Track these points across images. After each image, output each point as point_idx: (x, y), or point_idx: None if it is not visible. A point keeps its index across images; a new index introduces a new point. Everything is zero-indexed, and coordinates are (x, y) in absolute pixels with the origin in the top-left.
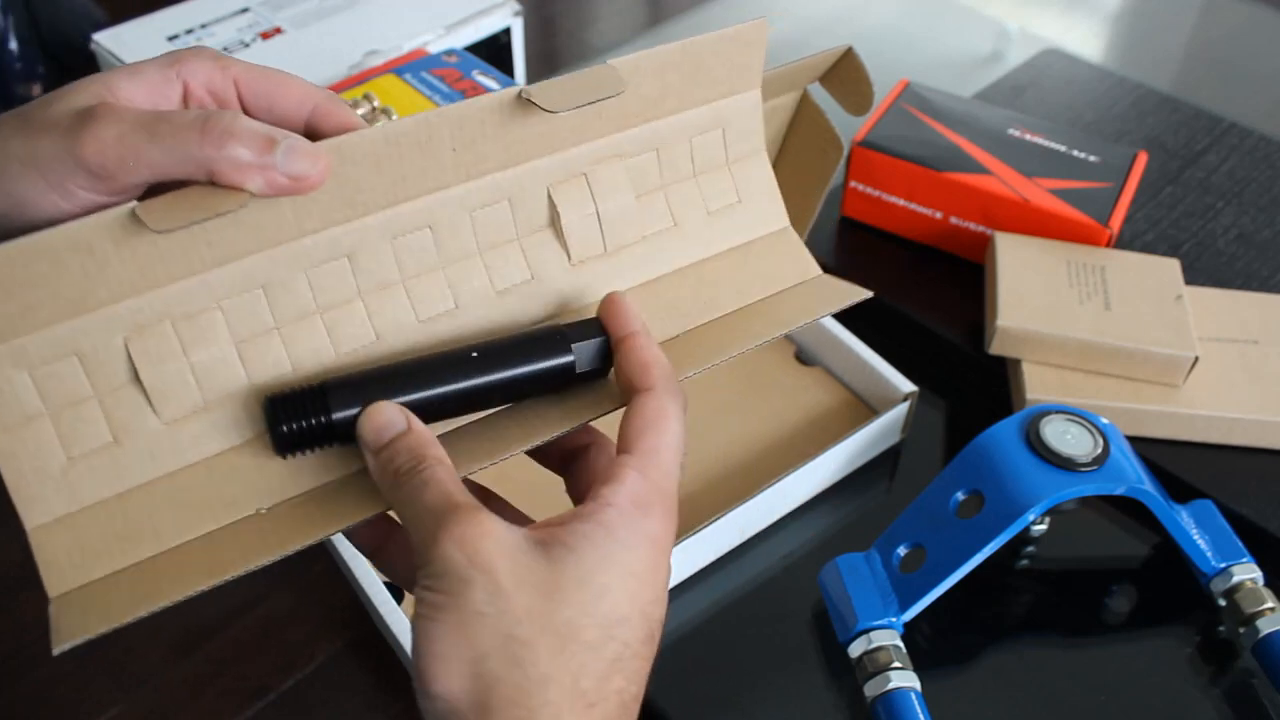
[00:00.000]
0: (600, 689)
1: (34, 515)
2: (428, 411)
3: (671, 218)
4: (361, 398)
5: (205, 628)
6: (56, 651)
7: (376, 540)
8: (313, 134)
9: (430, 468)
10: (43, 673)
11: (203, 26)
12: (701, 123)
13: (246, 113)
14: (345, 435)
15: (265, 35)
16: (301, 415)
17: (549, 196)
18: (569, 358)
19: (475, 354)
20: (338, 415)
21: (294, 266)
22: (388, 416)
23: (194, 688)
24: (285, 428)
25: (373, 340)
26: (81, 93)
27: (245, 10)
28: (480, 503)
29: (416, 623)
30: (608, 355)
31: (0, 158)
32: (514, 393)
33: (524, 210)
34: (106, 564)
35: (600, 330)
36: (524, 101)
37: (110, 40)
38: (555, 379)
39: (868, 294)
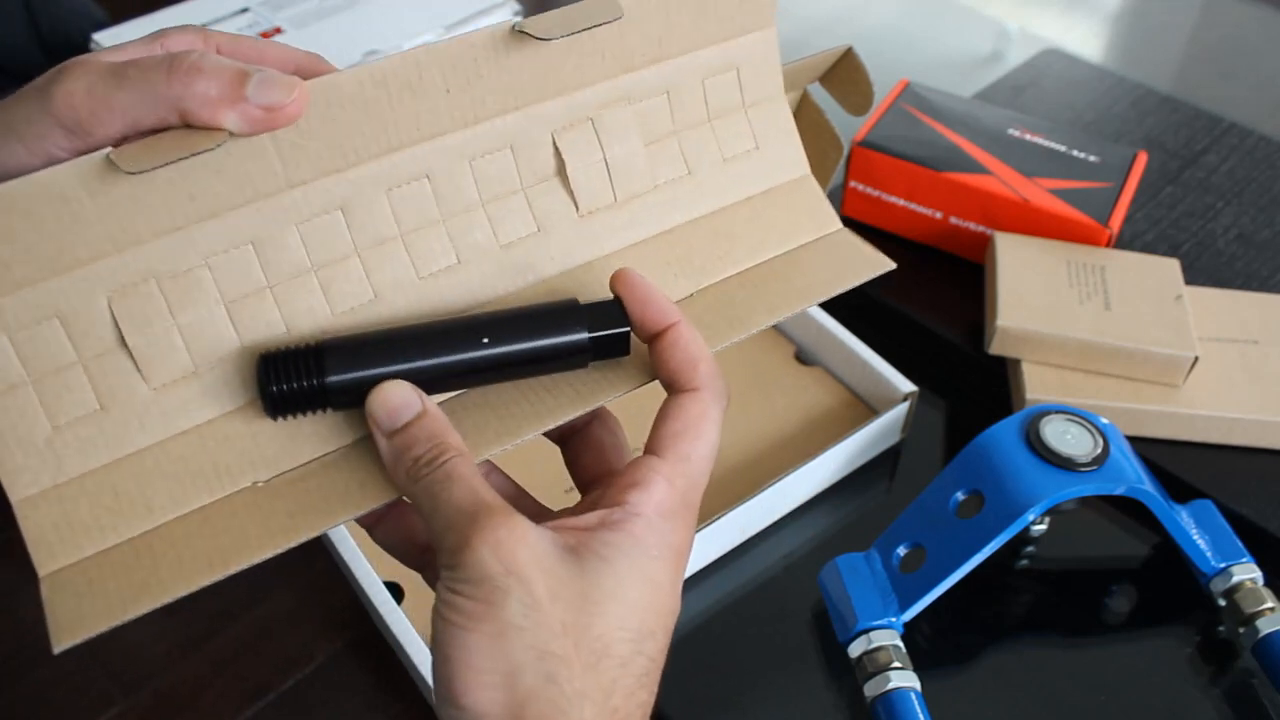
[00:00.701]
0: (628, 704)
1: (19, 487)
2: (428, 383)
3: (685, 165)
4: (359, 362)
5: (205, 628)
6: (58, 650)
7: (375, 514)
8: None
9: (453, 460)
10: (43, 673)
11: (203, 26)
12: (713, 64)
13: None
14: (339, 400)
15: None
16: (295, 376)
17: (554, 143)
18: (585, 338)
19: (485, 336)
20: (333, 379)
21: (284, 221)
22: (402, 397)
23: (194, 688)
24: (277, 388)
25: (371, 299)
26: (66, 69)
27: (245, 10)
28: (505, 500)
29: (443, 629)
30: (627, 339)
31: None
32: (523, 371)
33: (527, 158)
34: (97, 540)
35: (622, 313)
36: (519, 35)
37: (110, 40)
38: (570, 360)
39: (890, 265)
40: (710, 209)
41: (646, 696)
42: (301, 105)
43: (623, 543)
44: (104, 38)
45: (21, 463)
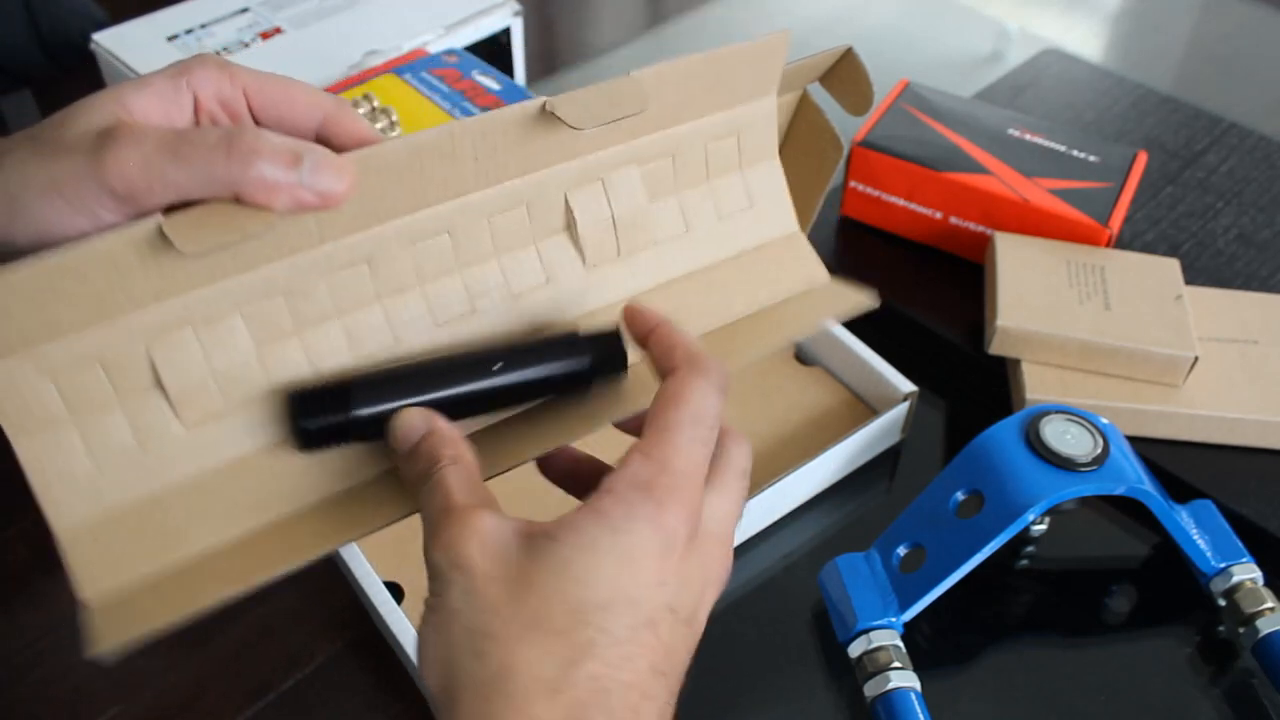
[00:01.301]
0: (567, 675)
1: (62, 519)
2: (447, 412)
3: (684, 222)
4: (383, 396)
5: (205, 628)
6: (96, 655)
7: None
8: (324, 143)
9: (440, 470)
10: (43, 673)
11: (202, 26)
12: (717, 129)
13: (256, 122)
14: (364, 431)
15: (265, 35)
16: (324, 411)
17: (565, 201)
18: (585, 360)
19: (496, 361)
20: (358, 412)
21: (314, 273)
22: (410, 422)
23: (194, 688)
24: (307, 423)
25: (392, 343)
26: (94, 111)
27: (245, 10)
28: (485, 500)
29: (419, 628)
30: (623, 357)
31: (18, 183)
32: (531, 393)
33: (540, 215)
34: (137, 567)
35: (616, 334)
36: (548, 114)
37: (110, 40)
38: (573, 382)
39: (874, 304)
40: (706, 263)
41: (601, 669)
42: (351, 190)
43: (581, 520)
44: (104, 38)
45: (63, 495)
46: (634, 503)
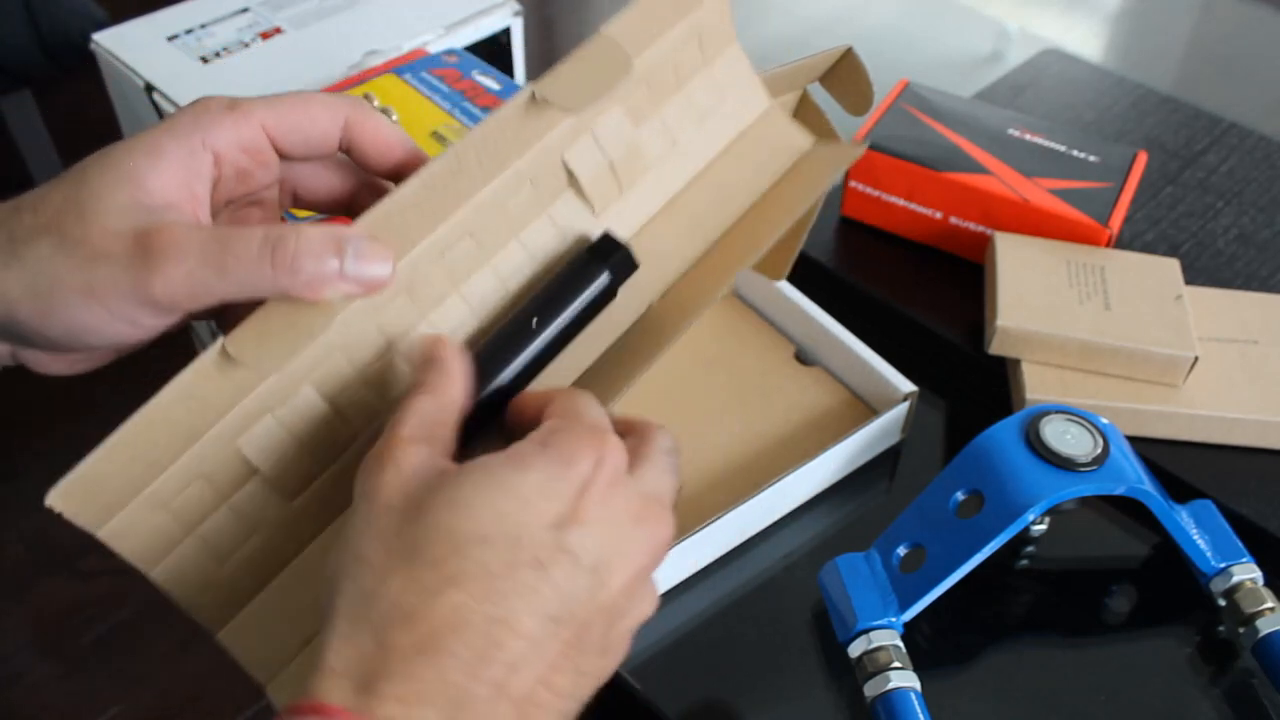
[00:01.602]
0: (427, 604)
1: (217, 624)
2: (518, 381)
3: (670, 138)
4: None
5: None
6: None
7: None
8: (352, 150)
9: (410, 398)
10: (43, 673)
11: (202, 26)
12: (679, 39)
13: (281, 155)
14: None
15: (265, 35)
16: None
17: (563, 163)
18: (601, 269)
19: (530, 318)
20: None
21: (364, 321)
22: (424, 343)
23: (194, 687)
24: None
25: None
26: (113, 198)
27: (245, 10)
28: (431, 437)
29: None
30: (628, 253)
31: (47, 282)
32: (577, 326)
33: (544, 183)
34: (297, 637)
35: (607, 236)
36: (540, 100)
37: (110, 40)
38: (604, 296)
39: (861, 150)
40: (699, 169)
41: (465, 599)
42: (392, 267)
43: (490, 460)
44: (104, 38)
45: (209, 600)
46: (540, 447)
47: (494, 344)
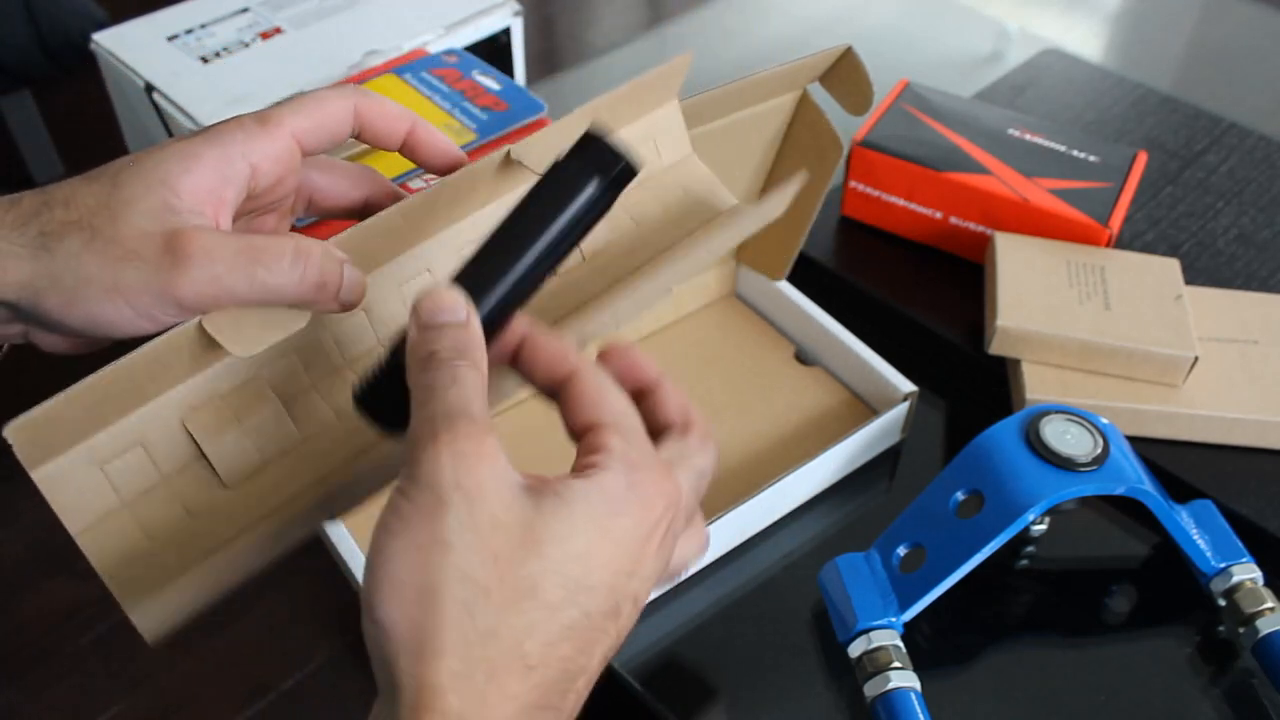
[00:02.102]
0: (545, 653)
1: (131, 599)
2: (509, 305)
3: (630, 218)
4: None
5: (205, 627)
6: (151, 641)
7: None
8: (364, 133)
9: (467, 368)
10: (43, 672)
11: (202, 26)
12: (634, 136)
13: (305, 154)
14: None
15: (265, 35)
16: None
17: None
18: (592, 175)
19: (516, 234)
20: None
21: (322, 330)
22: (452, 300)
23: (194, 687)
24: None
25: None
26: (145, 200)
27: (245, 10)
28: (489, 419)
29: (378, 534)
30: (620, 156)
31: (75, 278)
32: (570, 241)
33: None
34: (188, 607)
35: (589, 134)
36: (514, 160)
37: (110, 40)
38: (600, 205)
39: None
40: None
41: (571, 651)
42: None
43: (588, 490)
44: (104, 38)
45: (127, 574)
46: (631, 486)
47: (479, 270)
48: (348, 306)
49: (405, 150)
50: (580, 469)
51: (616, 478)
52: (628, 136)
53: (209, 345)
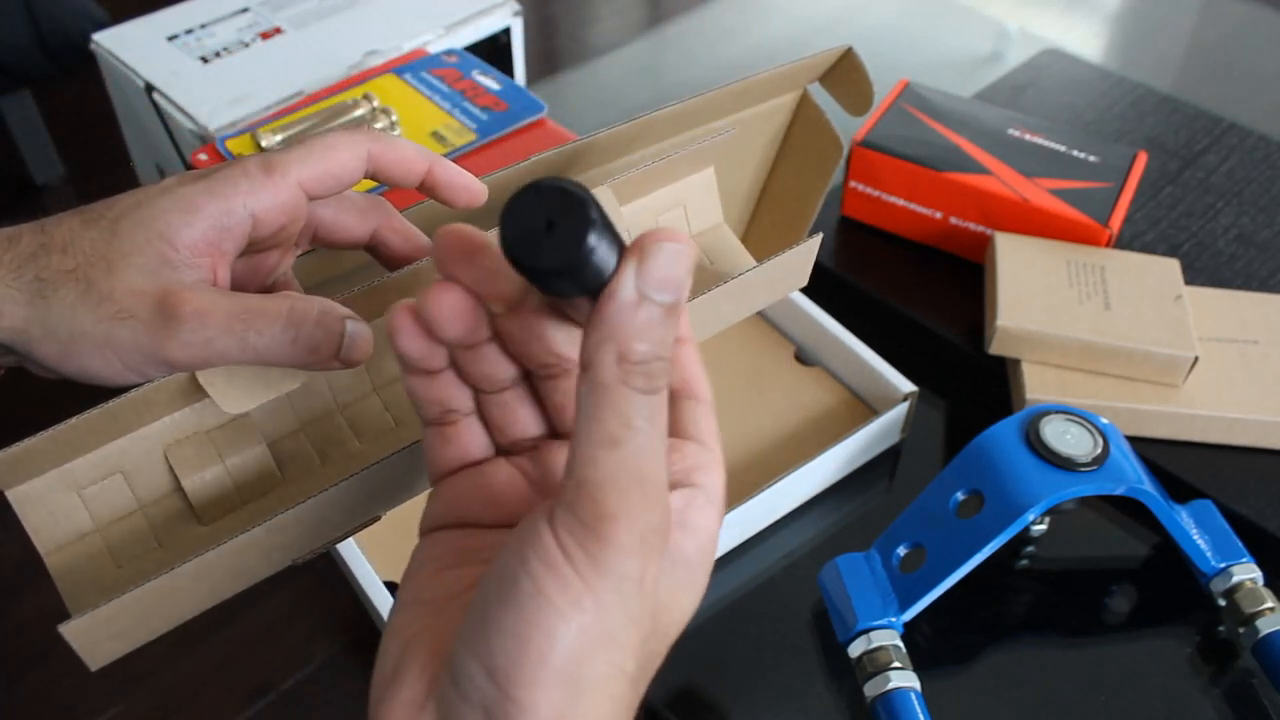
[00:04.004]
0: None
1: (79, 607)
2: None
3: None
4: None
5: (205, 627)
6: (94, 669)
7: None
8: (378, 175)
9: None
10: (43, 673)
11: (202, 26)
12: (664, 202)
13: (310, 199)
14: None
15: (265, 35)
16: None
17: None
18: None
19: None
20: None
21: (319, 380)
22: (684, 279)
23: (194, 687)
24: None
25: (392, 426)
26: (141, 254)
27: (245, 10)
28: None
29: (534, 601)
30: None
31: (69, 331)
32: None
33: None
34: (138, 639)
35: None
36: None
37: (110, 40)
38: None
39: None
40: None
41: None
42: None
43: (689, 558)
44: (104, 38)
45: (92, 602)
46: (683, 525)
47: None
48: (350, 364)
49: (424, 189)
50: (688, 488)
51: (710, 538)
52: (661, 198)
53: (196, 393)
